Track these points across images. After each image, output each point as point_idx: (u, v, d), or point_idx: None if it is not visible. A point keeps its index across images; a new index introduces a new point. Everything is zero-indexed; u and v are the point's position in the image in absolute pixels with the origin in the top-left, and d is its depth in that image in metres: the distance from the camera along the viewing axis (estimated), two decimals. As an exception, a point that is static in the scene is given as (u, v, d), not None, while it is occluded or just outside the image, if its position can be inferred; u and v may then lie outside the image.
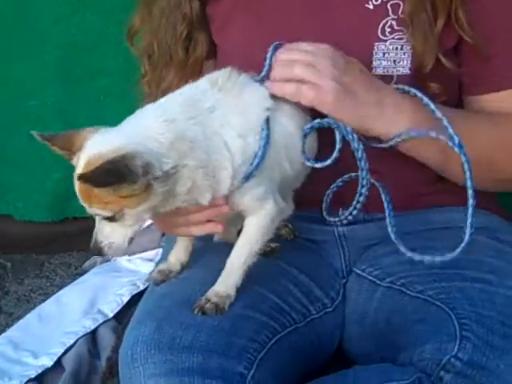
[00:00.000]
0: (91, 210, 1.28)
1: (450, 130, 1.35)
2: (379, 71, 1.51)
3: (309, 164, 1.41)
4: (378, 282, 1.52)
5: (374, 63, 1.51)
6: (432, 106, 1.39)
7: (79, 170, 1.27)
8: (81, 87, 2.57)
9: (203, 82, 1.37)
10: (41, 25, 2.50)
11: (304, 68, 1.36)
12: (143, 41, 1.67)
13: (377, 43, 1.51)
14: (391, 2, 1.50)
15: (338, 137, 1.39)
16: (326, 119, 1.39)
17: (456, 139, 1.34)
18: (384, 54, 1.51)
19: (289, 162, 1.40)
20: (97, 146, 1.28)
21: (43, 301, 2.54)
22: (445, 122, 1.37)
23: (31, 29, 2.51)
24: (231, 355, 1.30)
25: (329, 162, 1.39)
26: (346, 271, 1.62)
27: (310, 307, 1.53)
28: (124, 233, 1.30)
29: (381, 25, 1.51)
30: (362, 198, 1.42)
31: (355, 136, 1.37)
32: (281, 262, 1.56)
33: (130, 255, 2.58)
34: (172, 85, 1.58)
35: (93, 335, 2.26)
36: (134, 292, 2.36)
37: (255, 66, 1.43)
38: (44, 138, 1.35)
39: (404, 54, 1.51)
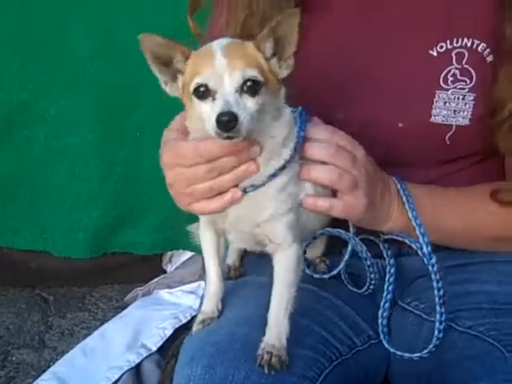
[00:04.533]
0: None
1: (421, 240, 1.42)
2: (438, 119, 1.50)
3: (316, 276, 1.53)
4: (425, 316, 1.51)
5: (434, 111, 1.50)
6: (413, 214, 1.44)
7: None
8: (118, 123, 2.62)
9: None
10: (76, 62, 2.56)
11: (349, 182, 1.37)
12: None
13: (438, 91, 1.50)
14: (456, 51, 1.49)
15: (349, 248, 1.48)
16: (339, 230, 1.46)
17: (425, 251, 1.40)
18: (445, 103, 1.50)
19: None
20: None
21: (86, 335, 2.58)
22: (417, 232, 1.42)
23: (67, 66, 2.57)
24: None
25: (335, 272, 1.51)
26: (391, 304, 1.60)
27: (356, 339, 1.53)
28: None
29: (443, 73, 1.50)
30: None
31: (364, 248, 1.47)
32: (326, 294, 1.57)
33: (171, 288, 2.61)
34: None
35: (137, 369, 2.29)
36: (177, 325, 2.39)
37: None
38: None
39: (465, 104, 1.50)
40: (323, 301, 1.55)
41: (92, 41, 2.54)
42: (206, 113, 1.24)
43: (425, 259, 1.40)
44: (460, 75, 1.49)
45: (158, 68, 1.28)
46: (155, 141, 1.42)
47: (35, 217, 2.79)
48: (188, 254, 2.71)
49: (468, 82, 1.49)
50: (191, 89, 1.24)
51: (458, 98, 1.49)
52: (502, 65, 1.45)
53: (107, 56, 2.54)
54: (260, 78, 1.24)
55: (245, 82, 1.22)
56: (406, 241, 1.44)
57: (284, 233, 1.36)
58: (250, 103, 1.23)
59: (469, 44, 1.48)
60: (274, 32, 1.26)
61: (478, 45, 1.48)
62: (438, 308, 1.39)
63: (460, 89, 1.49)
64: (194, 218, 1.52)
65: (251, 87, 1.23)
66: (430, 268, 1.39)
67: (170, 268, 2.84)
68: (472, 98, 1.49)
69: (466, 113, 1.50)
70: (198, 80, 1.23)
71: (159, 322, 2.43)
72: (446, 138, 1.51)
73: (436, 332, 1.38)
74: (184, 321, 2.41)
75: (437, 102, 1.50)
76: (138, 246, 2.83)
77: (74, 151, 2.65)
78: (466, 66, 1.49)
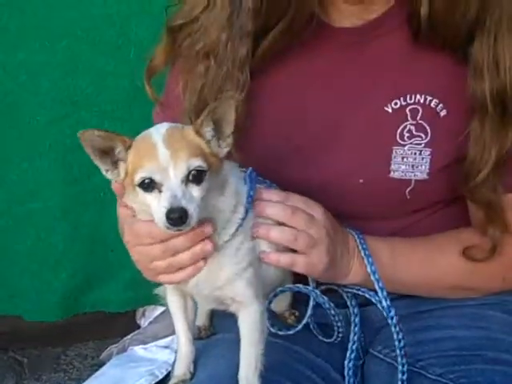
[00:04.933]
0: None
1: (380, 294, 1.45)
2: (397, 175, 1.52)
3: (280, 333, 1.52)
4: (396, 364, 1.49)
5: (393, 166, 1.52)
6: (371, 268, 1.47)
7: None
8: (80, 186, 2.60)
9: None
10: (35, 127, 2.54)
11: (307, 242, 1.39)
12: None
13: (395, 147, 1.52)
14: (410, 107, 1.51)
15: (310, 303, 1.50)
16: (298, 286, 1.49)
17: (384, 304, 1.44)
18: (403, 158, 1.52)
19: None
20: None
21: (61, 397, 2.54)
22: (376, 286, 1.46)
23: (25, 132, 2.55)
24: None
25: (299, 327, 1.52)
26: (363, 352, 1.61)
27: None
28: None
29: (399, 129, 1.52)
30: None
31: (326, 299, 1.49)
32: (297, 348, 1.56)
33: (145, 343, 2.58)
34: None
35: (115, 429, 2.25)
36: (153, 382, 2.37)
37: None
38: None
39: (422, 159, 1.52)
40: (294, 355, 1.54)
41: (52, 105, 2.53)
42: (152, 205, 1.24)
43: (384, 313, 1.43)
44: (416, 131, 1.51)
45: (100, 159, 1.28)
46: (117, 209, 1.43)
47: (3, 283, 2.75)
48: (160, 309, 2.69)
49: (423, 137, 1.51)
50: (136, 182, 1.25)
51: (415, 153, 1.51)
52: (468, 124, 1.47)
53: (68, 120, 2.52)
54: (204, 165, 1.25)
55: (190, 172, 1.23)
56: (366, 295, 1.46)
57: (244, 290, 1.36)
58: (196, 192, 1.24)
59: (421, 100, 1.51)
60: (212, 114, 1.28)
61: (430, 101, 1.51)
62: (399, 359, 1.42)
63: (416, 144, 1.51)
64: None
65: (196, 176, 1.24)
66: (389, 321, 1.42)
67: (143, 322, 2.81)
68: (428, 152, 1.51)
69: (423, 167, 1.52)
70: (142, 174, 1.24)
71: (135, 379, 2.41)
72: (406, 192, 1.53)
73: (399, 383, 1.42)
74: (160, 376, 2.39)
75: (395, 157, 1.52)
76: (109, 305, 2.80)
77: (38, 216, 2.63)
78: (420, 121, 1.51)
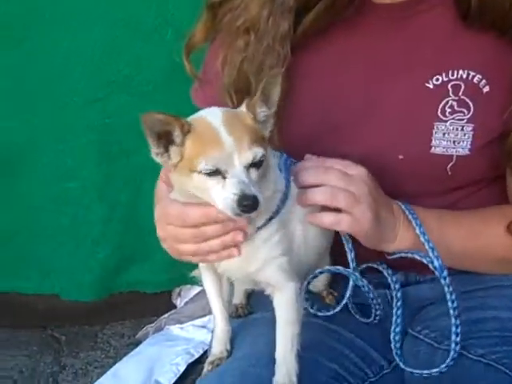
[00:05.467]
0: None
1: (431, 254, 1.41)
2: (438, 151, 1.51)
3: (320, 314, 1.52)
4: (436, 345, 1.50)
5: (434, 142, 1.51)
6: (421, 230, 1.44)
7: None
8: (117, 166, 2.63)
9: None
10: (72, 108, 2.57)
11: (347, 199, 1.37)
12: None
13: (437, 123, 1.50)
14: (452, 83, 1.50)
15: (350, 284, 1.47)
16: (338, 267, 1.47)
17: (436, 264, 1.40)
18: (444, 134, 1.50)
19: (304, 246, 1.42)
20: None
21: (99, 374, 2.58)
22: (426, 246, 1.42)
23: (62, 112, 2.58)
24: None
25: (338, 308, 1.50)
26: (401, 332, 1.60)
27: (368, 370, 1.53)
28: None
29: (441, 105, 1.50)
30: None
31: (365, 282, 1.47)
32: (335, 327, 1.56)
33: (181, 323, 2.61)
34: None
35: (153, 407, 2.28)
36: (190, 361, 2.39)
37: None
38: None
39: (464, 135, 1.50)
40: (332, 334, 1.54)
41: (90, 86, 2.54)
42: (214, 191, 1.23)
43: (436, 272, 1.40)
44: (457, 106, 1.50)
45: (157, 143, 1.27)
46: (156, 182, 1.43)
47: (40, 262, 2.79)
48: (197, 289, 2.71)
49: (466, 112, 1.50)
50: (199, 169, 1.23)
51: (457, 129, 1.50)
52: None
53: (105, 101, 2.54)
54: (264, 152, 1.24)
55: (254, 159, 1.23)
56: (416, 256, 1.42)
57: (277, 275, 1.36)
58: (255, 176, 1.24)
59: (464, 76, 1.49)
60: (263, 93, 1.27)
61: (473, 76, 1.49)
62: (453, 320, 1.39)
63: (458, 120, 1.50)
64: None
65: (258, 163, 1.24)
66: (442, 281, 1.39)
67: (179, 302, 2.83)
68: (470, 128, 1.50)
69: (465, 143, 1.50)
70: (207, 161, 1.22)
71: (172, 358, 2.43)
72: (447, 168, 1.52)
73: (453, 345, 1.39)
74: (196, 356, 2.41)
75: (436, 133, 1.50)
76: (145, 285, 2.84)
77: (75, 195, 2.66)
78: (462, 97, 1.49)
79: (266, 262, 1.35)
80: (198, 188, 1.26)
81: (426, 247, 1.42)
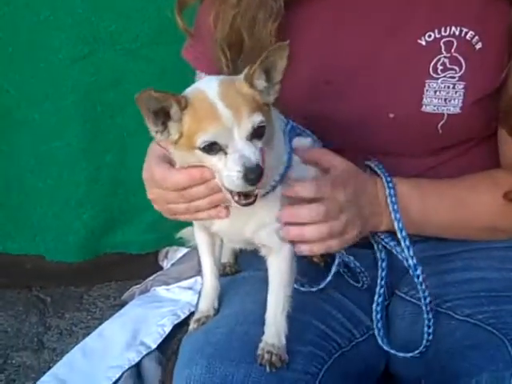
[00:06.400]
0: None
1: (406, 252, 1.44)
2: (429, 109, 1.50)
3: (303, 289, 1.50)
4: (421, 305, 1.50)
5: (425, 100, 1.50)
6: (399, 226, 1.45)
7: None
8: (103, 125, 2.58)
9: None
10: (57, 66, 2.51)
11: (338, 228, 1.38)
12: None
13: (428, 81, 1.49)
14: (444, 40, 1.49)
15: (336, 261, 1.47)
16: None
17: (411, 263, 1.43)
18: (435, 91, 1.49)
19: None
20: None
21: (85, 334, 2.57)
22: (402, 244, 1.44)
23: (48, 71, 2.53)
24: None
25: (322, 285, 1.50)
26: (388, 293, 1.61)
27: (355, 331, 1.53)
28: None
29: (433, 62, 1.49)
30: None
31: (352, 258, 1.50)
32: (323, 288, 1.56)
33: (168, 284, 2.60)
34: None
35: (137, 368, 2.28)
36: (176, 322, 2.38)
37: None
38: None
39: (456, 92, 1.49)
40: (321, 294, 1.54)
41: (75, 43, 2.49)
42: (218, 167, 1.22)
43: (410, 271, 1.43)
44: (449, 64, 1.48)
45: (154, 121, 1.24)
46: (142, 142, 1.40)
47: (26, 222, 2.77)
48: (184, 250, 2.70)
49: (458, 70, 1.49)
50: (198, 145, 1.21)
51: (449, 87, 1.49)
52: (505, 59, 1.45)
53: (91, 58, 2.49)
54: (264, 119, 1.22)
55: (253, 129, 1.21)
56: (393, 251, 1.46)
57: (272, 238, 1.36)
58: (258, 145, 1.21)
59: (457, 32, 1.47)
60: (263, 63, 1.24)
61: (466, 33, 1.47)
62: (425, 315, 1.42)
63: (450, 77, 1.49)
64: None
65: (257, 131, 1.21)
66: (415, 280, 1.42)
67: (166, 264, 2.83)
68: (462, 86, 1.49)
69: (456, 101, 1.49)
70: (205, 137, 1.20)
71: (158, 319, 2.42)
72: (438, 126, 1.51)
73: (426, 335, 1.42)
74: (183, 317, 2.40)
75: (427, 91, 1.49)
76: (130, 246, 2.82)
77: (60, 155, 2.62)
78: (455, 54, 1.48)
79: (262, 226, 1.34)
80: (201, 164, 1.25)
81: (402, 244, 1.44)
